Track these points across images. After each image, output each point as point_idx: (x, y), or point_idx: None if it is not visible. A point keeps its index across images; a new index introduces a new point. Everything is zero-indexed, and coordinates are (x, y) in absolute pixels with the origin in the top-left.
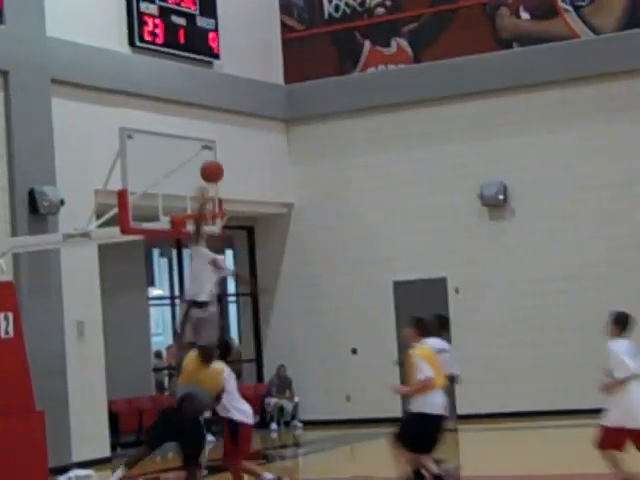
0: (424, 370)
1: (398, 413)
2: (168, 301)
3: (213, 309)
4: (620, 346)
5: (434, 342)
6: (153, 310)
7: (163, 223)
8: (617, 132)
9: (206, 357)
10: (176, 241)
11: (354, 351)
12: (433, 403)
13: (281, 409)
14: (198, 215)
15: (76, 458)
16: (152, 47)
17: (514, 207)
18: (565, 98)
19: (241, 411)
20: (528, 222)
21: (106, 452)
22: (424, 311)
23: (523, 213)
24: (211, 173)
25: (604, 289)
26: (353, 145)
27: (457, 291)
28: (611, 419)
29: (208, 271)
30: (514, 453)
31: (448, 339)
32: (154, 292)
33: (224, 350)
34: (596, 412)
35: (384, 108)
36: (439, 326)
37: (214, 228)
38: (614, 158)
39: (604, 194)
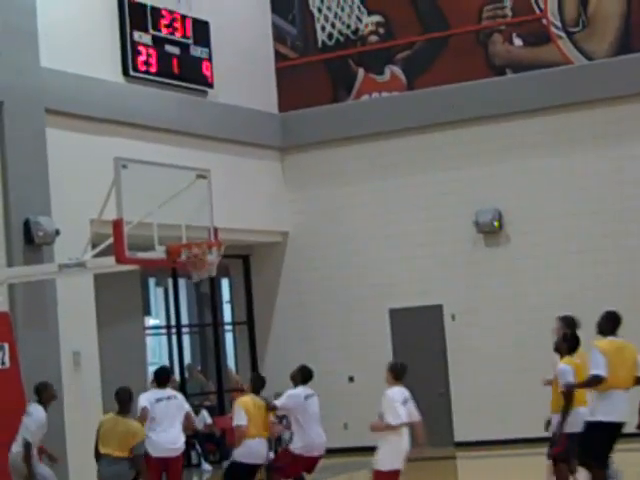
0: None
1: None
2: (164, 330)
3: None
4: (395, 394)
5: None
6: (149, 340)
7: (158, 252)
8: (611, 158)
9: None
10: (172, 270)
11: (351, 379)
12: None
13: (278, 438)
14: None
15: None
16: (146, 76)
17: (509, 234)
18: (559, 124)
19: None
20: (523, 248)
21: None
22: (421, 338)
23: (518, 239)
24: None
25: (600, 315)
26: (348, 173)
27: (453, 318)
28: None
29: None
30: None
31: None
32: (150, 321)
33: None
34: None
35: (378, 136)
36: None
37: (212, 257)
38: (608, 184)
39: (598, 220)
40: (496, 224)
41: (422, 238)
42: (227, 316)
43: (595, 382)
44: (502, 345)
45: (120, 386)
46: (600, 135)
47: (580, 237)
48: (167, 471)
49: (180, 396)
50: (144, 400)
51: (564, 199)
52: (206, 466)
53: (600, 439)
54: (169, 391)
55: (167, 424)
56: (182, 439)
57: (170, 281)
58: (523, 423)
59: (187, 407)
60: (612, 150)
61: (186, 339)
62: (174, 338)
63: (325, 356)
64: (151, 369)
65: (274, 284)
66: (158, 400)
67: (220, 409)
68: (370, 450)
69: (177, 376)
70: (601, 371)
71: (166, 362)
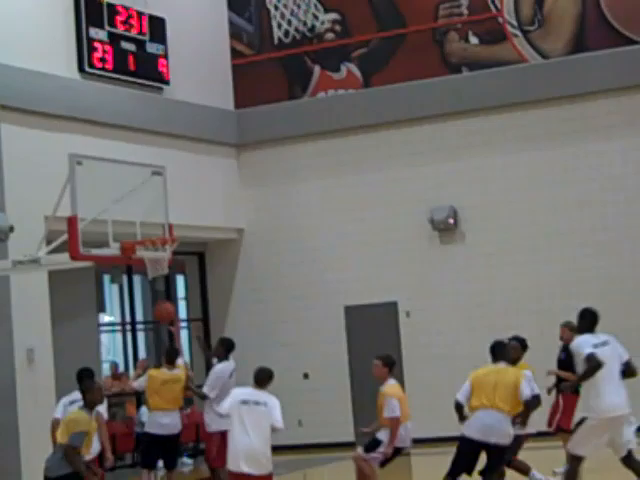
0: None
1: (350, 437)
2: (119, 327)
3: None
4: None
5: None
6: (104, 337)
7: (113, 249)
8: (565, 155)
9: None
10: (127, 267)
11: (306, 376)
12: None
13: None
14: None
15: None
16: (102, 73)
17: (464, 231)
18: (514, 122)
19: None
20: (478, 246)
21: None
22: (376, 335)
23: (473, 237)
24: (161, 316)
25: (557, 311)
26: (303, 170)
27: (408, 315)
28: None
29: None
30: (465, 476)
31: None
32: (105, 318)
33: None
34: (549, 434)
35: (334, 133)
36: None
37: (164, 254)
38: (562, 181)
39: (554, 217)
40: (451, 221)
41: (377, 235)
42: (182, 313)
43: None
44: (456, 342)
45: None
46: (554, 133)
47: (535, 233)
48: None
49: None
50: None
51: (519, 196)
52: (185, 459)
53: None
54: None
55: None
56: None
57: (125, 278)
58: None
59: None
60: (566, 148)
61: (141, 336)
62: (129, 335)
63: (280, 353)
64: (105, 366)
65: (229, 281)
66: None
67: None
68: (325, 447)
69: (131, 374)
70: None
71: (120, 359)
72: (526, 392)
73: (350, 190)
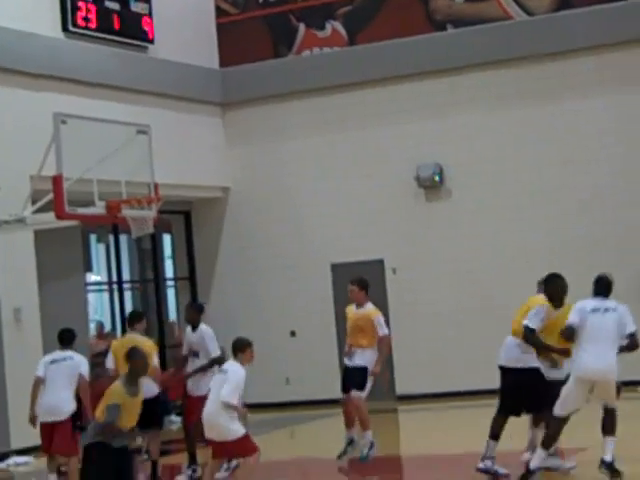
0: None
1: (337, 394)
2: (106, 287)
3: None
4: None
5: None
6: (91, 296)
7: (98, 208)
8: (551, 112)
9: None
10: (113, 227)
11: (293, 334)
12: None
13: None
14: None
15: (15, 445)
16: (85, 32)
17: (450, 188)
18: (499, 79)
19: None
20: (464, 203)
21: None
22: None
23: (459, 194)
24: None
25: (540, 269)
26: (289, 128)
27: (394, 272)
28: None
29: None
30: (451, 432)
31: None
32: (92, 278)
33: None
34: None
35: (319, 91)
36: None
37: (149, 213)
38: (548, 138)
39: (539, 174)
40: (437, 179)
41: (363, 193)
42: (169, 272)
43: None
44: (442, 299)
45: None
46: (540, 90)
47: (519, 192)
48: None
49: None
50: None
51: (504, 154)
52: (173, 417)
53: None
54: (67, 353)
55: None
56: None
57: (111, 238)
58: (463, 376)
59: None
60: (553, 105)
61: (128, 295)
62: (116, 294)
63: (267, 311)
64: (92, 325)
65: (216, 240)
66: (53, 362)
67: (162, 365)
68: (312, 404)
69: (119, 333)
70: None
71: (108, 318)
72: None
73: (335, 148)
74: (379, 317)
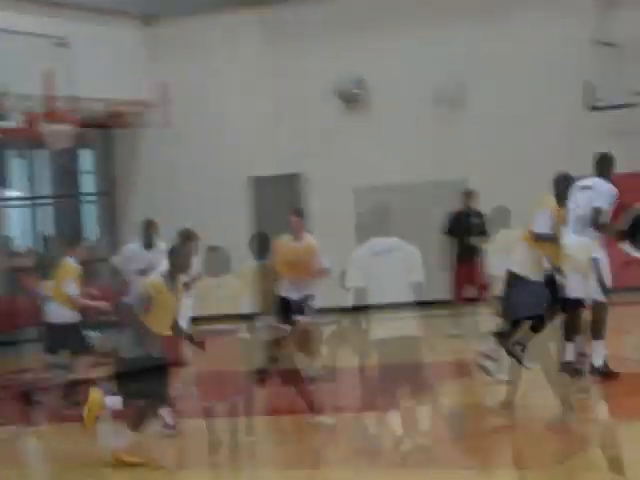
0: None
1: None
2: (23, 202)
3: None
4: None
5: None
6: (12, 212)
7: (17, 121)
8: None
9: None
10: (31, 141)
11: (212, 249)
12: None
13: None
14: None
15: None
16: None
17: (369, 101)
18: None
19: None
20: (383, 117)
21: None
22: (280, 207)
23: (378, 107)
24: None
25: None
26: (210, 42)
27: (310, 186)
28: None
29: None
30: None
31: None
32: (9, 194)
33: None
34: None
35: (241, 6)
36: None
37: (68, 127)
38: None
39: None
40: (357, 91)
41: (283, 107)
42: (90, 187)
43: None
44: (361, 211)
45: None
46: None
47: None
48: None
49: None
50: None
51: (422, 68)
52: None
53: None
54: None
55: None
56: None
57: (29, 153)
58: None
59: None
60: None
61: (47, 211)
62: (37, 210)
63: (186, 225)
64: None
65: (136, 155)
66: None
67: None
68: (227, 318)
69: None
70: None
71: (26, 234)
72: None
73: (255, 63)
74: (317, 252)
